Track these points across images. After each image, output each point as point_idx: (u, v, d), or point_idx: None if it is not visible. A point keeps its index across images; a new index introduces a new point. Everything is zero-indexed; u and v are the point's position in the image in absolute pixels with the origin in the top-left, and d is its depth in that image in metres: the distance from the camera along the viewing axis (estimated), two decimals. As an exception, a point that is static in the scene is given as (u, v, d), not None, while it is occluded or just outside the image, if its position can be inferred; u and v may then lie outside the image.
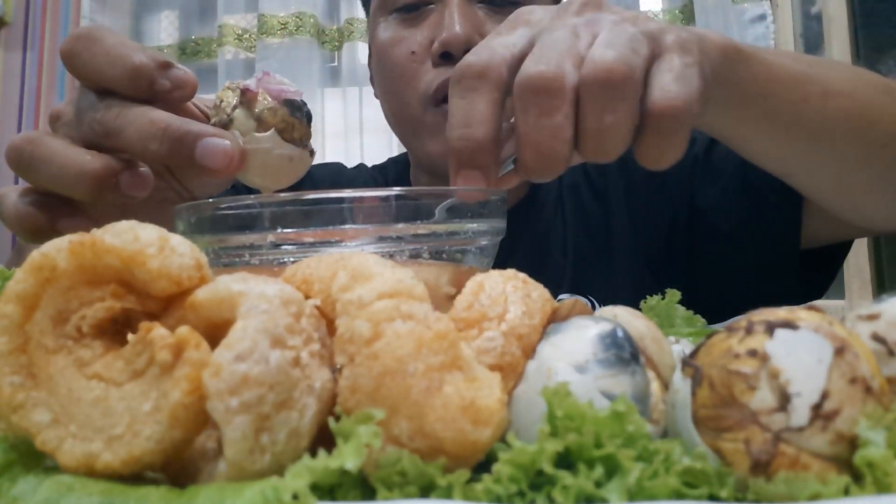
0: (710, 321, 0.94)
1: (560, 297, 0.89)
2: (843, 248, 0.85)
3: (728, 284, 0.88)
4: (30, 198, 0.49)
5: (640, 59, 0.43)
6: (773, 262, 0.84)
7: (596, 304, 0.88)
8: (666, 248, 0.90)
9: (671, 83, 0.43)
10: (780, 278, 0.85)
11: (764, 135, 0.61)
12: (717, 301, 0.90)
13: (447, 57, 0.82)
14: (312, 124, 0.49)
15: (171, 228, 0.44)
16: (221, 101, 0.47)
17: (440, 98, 0.82)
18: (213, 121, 0.47)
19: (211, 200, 0.42)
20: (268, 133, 0.46)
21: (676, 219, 0.90)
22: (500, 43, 0.46)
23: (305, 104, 0.48)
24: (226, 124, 0.46)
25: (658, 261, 0.90)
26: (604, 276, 0.91)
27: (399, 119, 0.89)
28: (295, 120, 0.47)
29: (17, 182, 0.54)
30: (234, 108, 0.46)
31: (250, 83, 0.46)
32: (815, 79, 0.60)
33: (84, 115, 0.48)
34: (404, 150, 1.03)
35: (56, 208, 0.49)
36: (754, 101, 0.57)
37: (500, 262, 0.38)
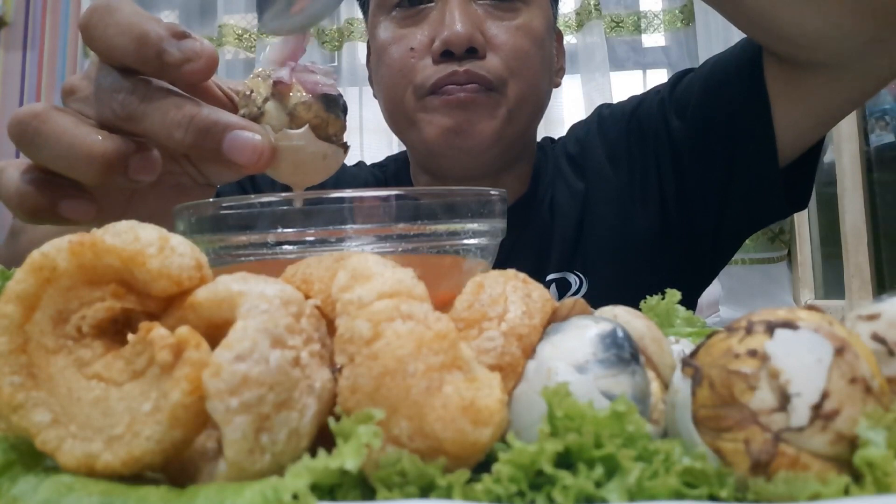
0: (715, 268, 0.95)
1: (548, 277, 0.90)
2: (815, 155, 0.87)
3: (722, 214, 0.90)
4: (31, 175, 0.46)
5: None
6: (757, 174, 0.86)
7: (583, 281, 0.89)
8: (659, 201, 0.92)
9: None
10: (766, 191, 0.86)
11: None
12: (716, 239, 0.92)
13: (448, 55, 0.82)
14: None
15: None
16: (251, 92, 0.44)
17: (438, 90, 0.83)
18: (241, 112, 0.44)
19: (211, 200, 0.42)
20: (301, 130, 0.43)
21: (661, 167, 0.92)
22: None
23: (341, 97, 0.45)
24: (256, 117, 0.43)
25: (653, 216, 0.92)
26: (593, 251, 0.92)
27: (394, 113, 0.90)
28: (330, 115, 0.44)
29: (17, 156, 0.50)
30: (266, 100, 0.43)
31: (284, 74, 0.43)
32: None
33: (105, 94, 0.45)
34: (404, 148, 1.03)
35: (59, 188, 0.46)
36: None
37: (501, 260, 0.38)
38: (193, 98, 0.44)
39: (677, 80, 0.94)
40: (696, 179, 0.90)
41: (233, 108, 0.48)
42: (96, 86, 0.45)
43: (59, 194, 0.46)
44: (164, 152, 0.47)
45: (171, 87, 0.44)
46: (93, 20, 0.44)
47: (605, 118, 1.00)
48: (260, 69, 0.45)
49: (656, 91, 0.96)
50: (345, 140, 0.46)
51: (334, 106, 0.44)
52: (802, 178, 0.88)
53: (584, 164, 0.97)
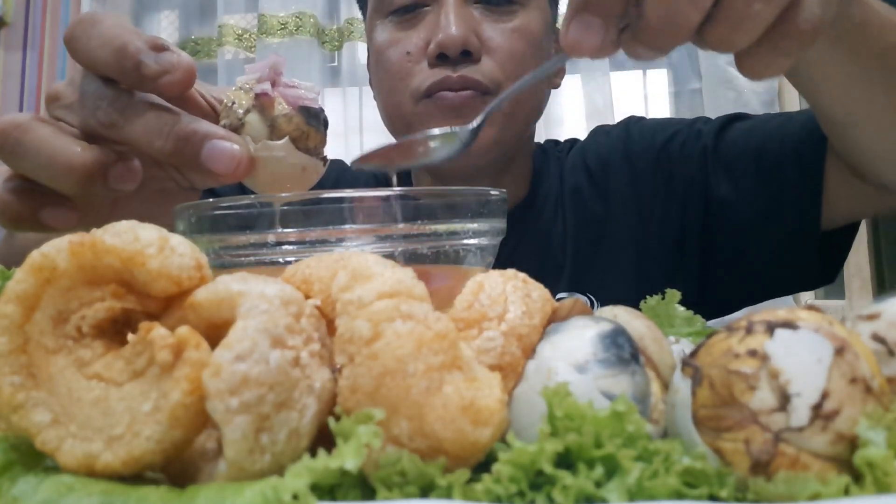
0: (721, 313, 0.94)
1: (559, 295, 0.89)
2: (852, 230, 0.86)
3: (744, 275, 0.89)
4: (13, 183, 0.46)
5: None
6: (793, 248, 0.84)
7: (595, 302, 0.89)
8: (676, 240, 0.91)
9: (816, 4, 0.41)
10: (798, 264, 0.85)
11: (845, 75, 0.62)
12: (730, 293, 0.91)
13: (443, 58, 0.82)
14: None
15: (166, 218, 0.44)
16: (233, 103, 0.45)
17: (433, 93, 0.83)
18: (222, 122, 0.45)
19: (211, 200, 0.42)
20: (281, 141, 0.44)
21: (687, 213, 0.90)
22: None
23: (322, 111, 0.46)
24: (237, 128, 0.44)
25: (666, 253, 0.91)
26: (605, 274, 0.91)
27: (393, 117, 0.90)
28: (311, 129, 0.45)
29: None
30: (247, 111, 0.44)
31: (267, 88, 0.44)
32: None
33: (89, 101, 0.45)
34: (404, 149, 1.03)
35: (40, 197, 0.46)
36: (846, 37, 0.57)
37: (501, 263, 0.38)
38: (174, 108, 0.45)
39: (721, 127, 0.91)
40: (726, 238, 0.88)
41: (215, 116, 0.48)
42: (80, 93, 0.46)
43: (41, 202, 0.46)
44: (147, 158, 0.48)
45: (152, 96, 0.45)
46: (76, 32, 0.45)
47: (634, 140, 0.97)
48: (243, 80, 0.46)
49: (696, 131, 0.93)
50: (325, 154, 0.47)
51: (315, 119, 0.45)
52: (835, 252, 0.86)
53: (607, 187, 0.95)
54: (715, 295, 0.90)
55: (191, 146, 0.43)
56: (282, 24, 2.20)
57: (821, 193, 0.81)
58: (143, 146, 0.44)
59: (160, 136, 0.44)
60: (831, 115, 0.71)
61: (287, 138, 0.44)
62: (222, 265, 0.42)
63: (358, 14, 2.28)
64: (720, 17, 0.40)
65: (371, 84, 0.98)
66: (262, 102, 0.44)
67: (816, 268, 0.85)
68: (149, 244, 0.28)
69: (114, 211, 0.53)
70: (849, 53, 0.60)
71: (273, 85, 0.45)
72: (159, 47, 0.44)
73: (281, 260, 0.40)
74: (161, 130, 0.44)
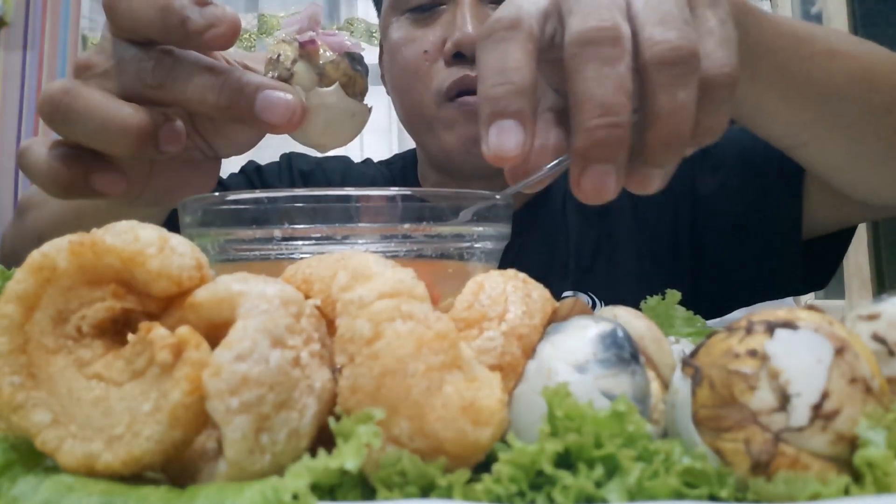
0: (717, 314, 0.94)
1: (564, 294, 0.89)
2: (845, 237, 0.86)
3: (733, 277, 0.89)
4: (59, 151, 0.46)
5: (693, 30, 0.39)
6: (776, 251, 0.84)
7: (597, 302, 0.89)
8: (670, 241, 0.91)
9: (717, 48, 0.40)
10: (783, 268, 0.85)
11: (773, 95, 0.61)
12: (722, 295, 0.91)
13: (460, 57, 0.82)
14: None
15: (191, 188, 0.43)
16: (279, 55, 0.45)
17: (454, 94, 0.82)
18: (269, 76, 0.45)
19: (218, 194, 0.42)
20: (332, 88, 0.44)
21: (679, 211, 0.91)
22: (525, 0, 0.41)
23: (363, 56, 0.46)
24: (286, 79, 0.44)
25: (663, 255, 0.91)
26: (607, 274, 0.91)
27: (412, 117, 0.90)
28: (357, 74, 0.45)
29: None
30: (294, 61, 0.44)
31: (313, 35, 0.44)
32: (819, 38, 0.60)
33: (131, 65, 0.45)
34: (404, 149, 1.03)
35: (89, 162, 0.46)
36: (763, 56, 0.56)
37: (508, 263, 0.38)
38: (220, 63, 0.45)
39: None
40: (713, 238, 0.89)
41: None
42: (117, 59, 0.46)
43: (90, 167, 0.46)
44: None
45: (196, 54, 0.45)
46: None
47: None
48: (283, 35, 0.46)
49: None
50: (366, 102, 0.47)
51: (359, 64, 0.45)
52: (826, 257, 0.86)
53: None
54: (709, 297, 0.90)
55: (245, 98, 0.43)
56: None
57: (801, 200, 0.81)
58: (194, 103, 0.44)
59: (213, 90, 0.43)
60: (776, 142, 0.70)
61: (337, 84, 0.44)
62: (228, 259, 0.42)
63: (358, 14, 2.28)
64: (658, 121, 0.39)
65: (383, 81, 0.98)
66: (308, 51, 0.44)
67: (800, 273, 0.85)
68: (149, 244, 0.28)
69: (150, 179, 0.53)
70: (757, 68, 0.58)
71: (315, 33, 0.45)
72: (202, 2, 0.43)
73: (286, 255, 0.40)
74: (213, 85, 0.43)
